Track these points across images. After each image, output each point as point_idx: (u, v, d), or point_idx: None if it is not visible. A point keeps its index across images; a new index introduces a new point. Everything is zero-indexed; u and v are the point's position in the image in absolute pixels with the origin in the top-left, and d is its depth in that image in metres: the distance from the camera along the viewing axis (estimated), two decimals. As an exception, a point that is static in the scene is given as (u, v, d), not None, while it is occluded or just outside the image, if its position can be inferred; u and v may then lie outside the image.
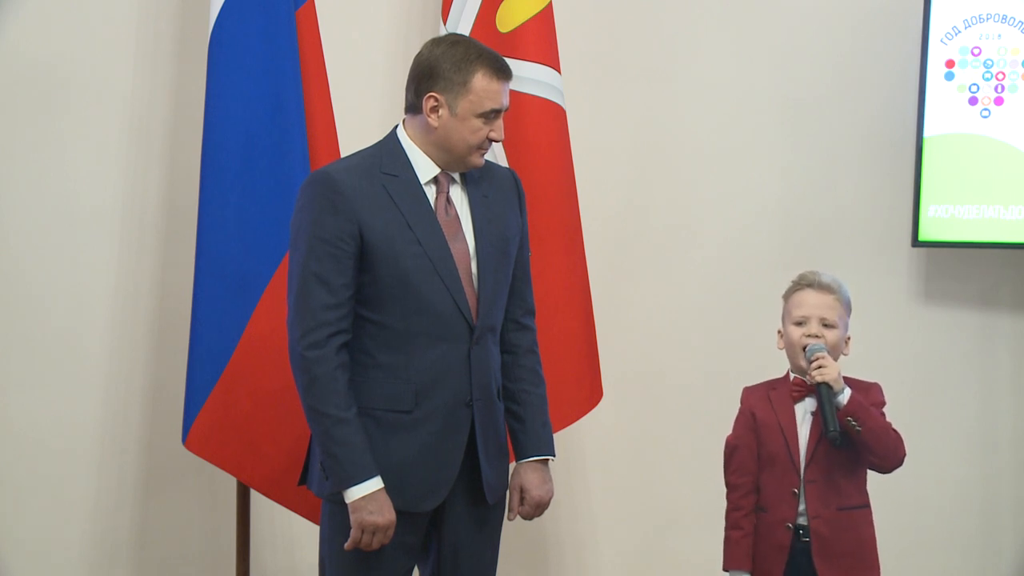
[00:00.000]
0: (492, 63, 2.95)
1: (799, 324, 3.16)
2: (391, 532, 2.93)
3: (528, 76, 3.85)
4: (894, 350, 4.15)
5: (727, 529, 3.22)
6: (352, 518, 2.91)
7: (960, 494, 4.19)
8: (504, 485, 3.14)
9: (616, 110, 4.36)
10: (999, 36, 3.95)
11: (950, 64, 3.99)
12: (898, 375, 4.10)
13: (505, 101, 3.00)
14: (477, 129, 2.95)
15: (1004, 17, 3.94)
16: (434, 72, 2.94)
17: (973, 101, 3.97)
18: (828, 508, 3.11)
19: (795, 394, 3.18)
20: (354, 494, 2.90)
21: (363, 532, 2.91)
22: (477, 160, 3.01)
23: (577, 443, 4.34)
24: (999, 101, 3.95)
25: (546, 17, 3.93)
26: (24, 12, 4.00)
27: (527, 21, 3.90)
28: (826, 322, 3.14)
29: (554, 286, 3.88)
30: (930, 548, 4.15)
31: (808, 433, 3.15)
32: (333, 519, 3.03)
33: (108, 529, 4.10)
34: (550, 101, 3.90)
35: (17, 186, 4.01)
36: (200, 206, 3.74)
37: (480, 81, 2.93)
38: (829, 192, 4.24)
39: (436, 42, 3.03)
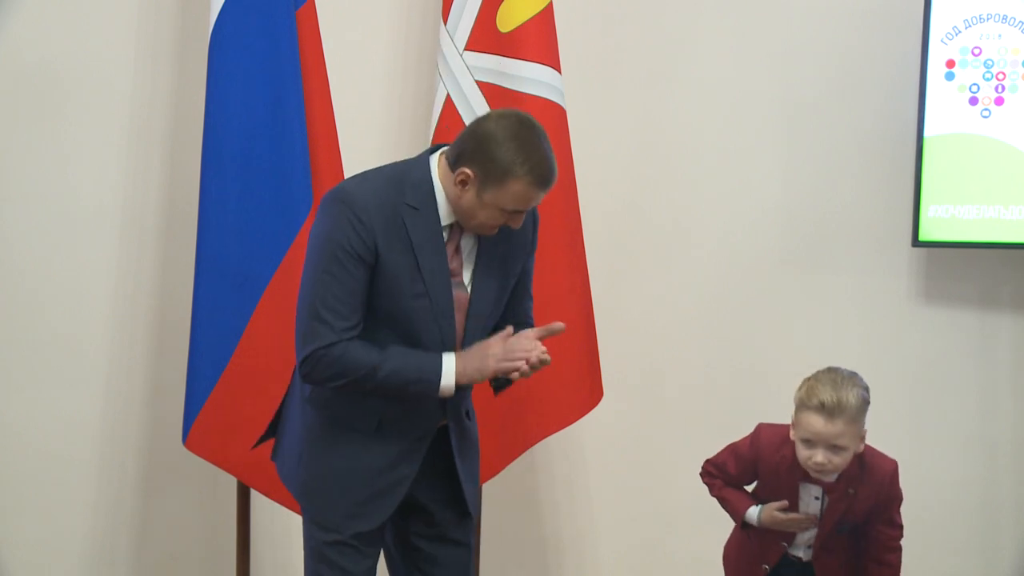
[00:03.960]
0: (540, 177, 2.86)
1: (806, 442, 3.08)
2: (519, 343, 2.91)
3: (528, 76, 3.85)
4: (894, 350, 4.14)
5: (717, 497, 3.26)
6: (483, 378, 2.93)
7: (960, 494, 4.19)
8: (476, 506, 3.18)
9: (616, 110, 4.36)
10: (999, 36, 3.95)
11: (950, 64, 3.99)
12: (898, 375, 4.11)
13: (536, 203, 2.94)
14: (495, 217, 2.90)
15: (1004, 17, 3.94)
16: (481, 151, 2.85)
17: (973, 101, 3.97)
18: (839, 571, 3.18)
19: (802, 475, 3.16)
20: (447, 377, 2.90)
21: (515, 372, 2.91)
22: (488, 232, 2.97)
23: (577, 443, 4.34)
24: (999, 101, 3.95)
25: (546, 17, 3.93)
26: (24, 12, 3.99)
27: (527, 21, 3.89)
28: (835, 446, 3.05)
29: (554, 286, 3.87)
30: (930, 548, 4.14)
31: (820, 515, 3.15)
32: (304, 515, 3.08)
33: (108, 528, 4.11)
34: (550, 101, 3.90)
35: (17, 186, 4.01)
36: (200, 206, 3.74)
37: (518, 187, 2.85)
38: (829, 192, 4.24)
39: (503, 119, 2.91)
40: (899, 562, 3.17)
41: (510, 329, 2.98)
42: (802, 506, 3.14)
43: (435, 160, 2.97)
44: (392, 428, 2.98)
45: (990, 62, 3.96)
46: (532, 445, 4.01)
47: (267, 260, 3.74)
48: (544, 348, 2.93)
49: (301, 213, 3.74)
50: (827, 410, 3.01)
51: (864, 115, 4.19)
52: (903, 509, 3.27)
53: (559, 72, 3.92)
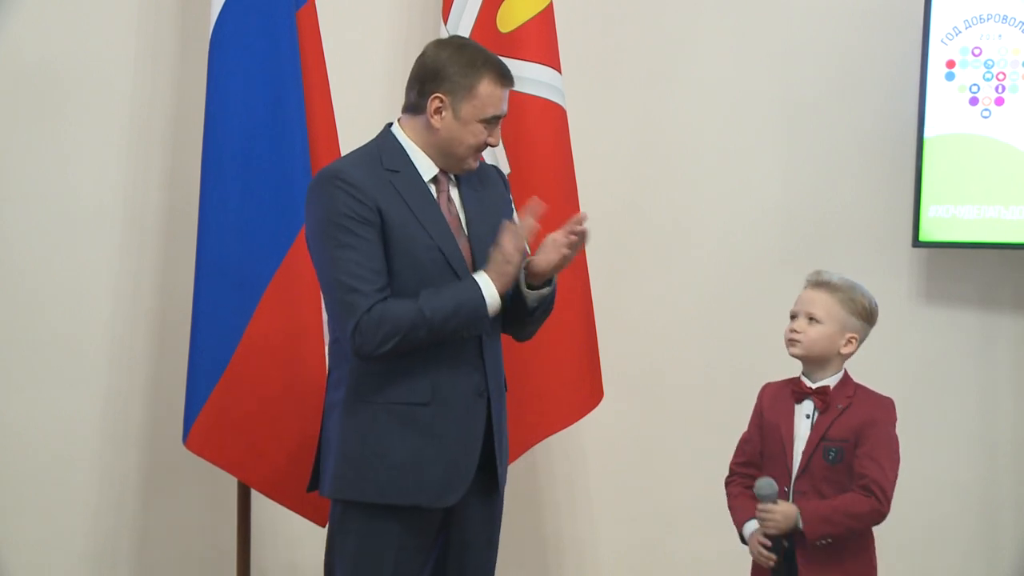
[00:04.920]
0: (498, 70, 2.99)
1: (792, 318, 3.18)
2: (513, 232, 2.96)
3: (529, 76, 3.84)
4: (895, 350, 4.14)
5: (729, 505, 3.24)
6: (516, 274, 2.97)
7: (960, 494, 4.19)
8: (504, 480, 3.15)
9: (617, 110, 4.36)
10: (1000, 36, 3.95)
11: (951, 64, 3.99)
12: (898, 375, 4.10)
13: (505, 108, 3.03)
14: (478, 133, 2.98)
15: (1005, 17, 3.94)
16: (440, 74, 2.96)
17: (974, 101, 3.97)
18: None
19: (795, 394, 3.18)
20: (488, 287, 2.94)
21: (547, 265, 3.00)
22: (472, 164, 3.05)
23: (577, 443, 4.34)
24: (1000, 101, 3.95)
25: (547, 17, 3.93)
26: (24, 12, 3.99)
27: (528, 21, 3.90)
28: (812, 316, 3.13)
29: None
30: (930, 548, 4.15)
31: (805, 441, 3.13)
32: (343, 525, 3.02)
33: (109, 529, 4.11)
34: (551, 101, 3.90)
35: (17, 186, 4.01)
36: (201, 206, 3.73)
37: (486, 87, 2.96)
38: (830, 192, 4.24)
39: (442, 44, 3.06)
40: (865, 514, 3.11)
41: (505, 224, 3.02)
42: (795, 426, 3.14)
43: (396, 126, 3.06)
44: (444, 395, 2.97)
45: (990, 62, 3.96)
46: (533, 445, 4.01)
47: (268, 260, 3.73)
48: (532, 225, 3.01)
49: (301, 213, 3.71)
50: (810, 281, 3.18)
51: (864, 115, 4.20)
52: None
53: (559, 72, 3.92)
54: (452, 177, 3.07)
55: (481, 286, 2.93)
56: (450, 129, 2.98)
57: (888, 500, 3.07)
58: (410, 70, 3.06)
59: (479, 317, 2.95)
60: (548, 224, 3.82)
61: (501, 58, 3.04)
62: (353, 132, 3.94)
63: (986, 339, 4.15)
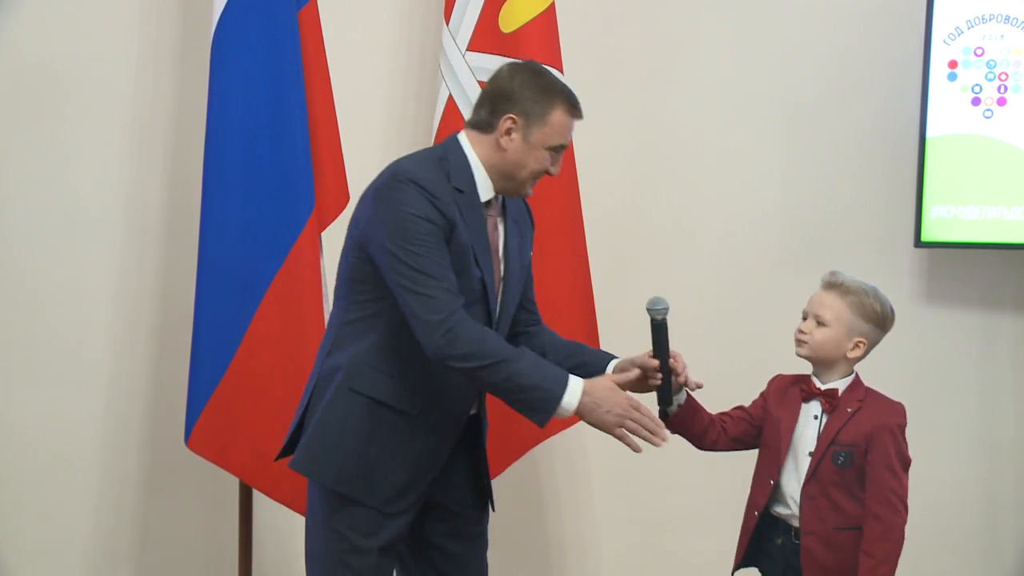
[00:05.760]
0: (571, 101, 3.01)
1: (803, 318, 3.16)
2: (638, 407, 2.94)
3: (530, 77, 3.85)
4: (896, 350, 4.11)
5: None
6: (598, 423, 2.93)
7: (962, 495, 4.19)
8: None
9: (618, 110, 4.36)
10: (1002, 36, 3.95)
11: (953, 64, 3.99)
12: (900, 375, 4.10)
13: (571, 138, 3.06)
14: (542, 160, 2.99)
15: (1007, 18, 3.94)
16: (514, 96, 2.97)
17: (976, 102, 3.97)
18: (824, 526, 3.07)
19: (803, 393, 3.17)
20: (570, 402, 2.89)
21: (622, 428, 2.93)
22: (529, 190, 3.06)
23: (578, 443, 4.34)
24: (1002, 102, 3.95)
25: (548, 18, 3.93)
26: (25, 12, 3.99)
27: (529, 22, 3.90)
28: (819, 319, 3.12)
29: (556, 287, 3.88)
30: (932, 549, 4.14)
31: (812, 443, 3.12)
32: (319, 500, 3.03)
33: (111, 529, 4.11)
34: (552, 101, 3.90)
35: (18, 187, 4.01)
36: (202, 207, 3.74)
37: (558, 116, 2.98)
38: (831, 193, 4.24)
39: (518, 68, 3.07)
40: (896, 538, 3.10)
41: (636, 373, 3.07)
42: (800, 425, 3.13)
43: (463, 138, 3.03)
44: (432, 412, 2.99)
45: (992, 62, 3.96)
46: (534, 446, 4.01)
47: (269, 261, 3.73)
48: (665, 436, 3.00)
49: (303, 214, 3.74)
50: (826, 282, 3.15)
51: (866, 115, 4.20)
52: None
53: (561, 72, 3.91)
54: (502, 203, 3.08)
55: (568, 388, 2.90)
56: (517, 151, 2.98)
57: (906, 508, 3.06)
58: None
59: (542, 410, 2.90)
60: (550, 224, 3.85)
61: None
62: (355, 133, 3.96)
63: (987, 339, 4.15)
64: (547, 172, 3.02)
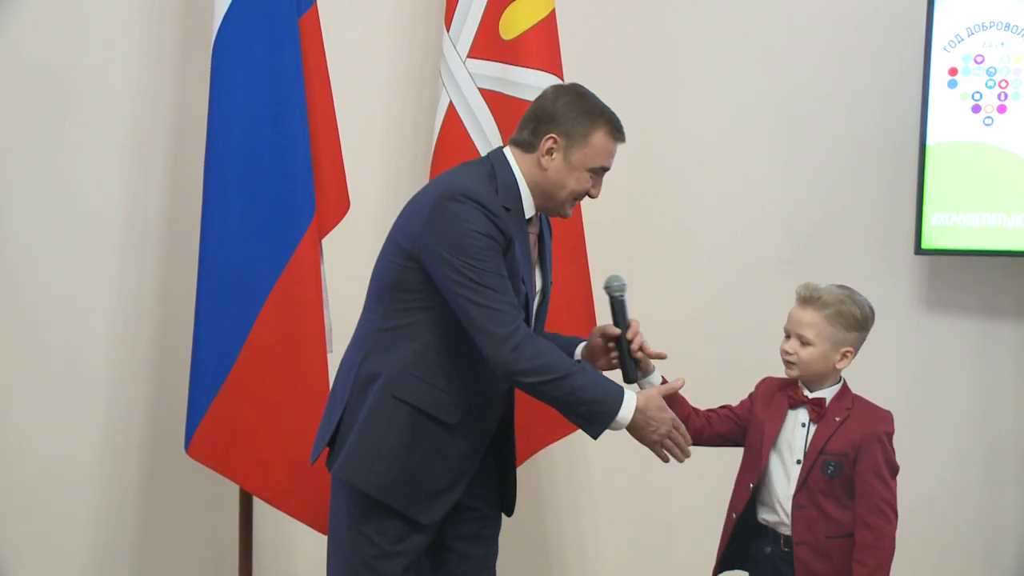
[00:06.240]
0: (614, 124, 3.06)
1: (786, 336, 3.15)
2: (678, 427, 3.06)
3: (531, 83, 3.85)
4: (897, 357, 4.15)
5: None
6: (641, 438, 3.06)
7: (963, 500, 4.20)
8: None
9: (618, 112, 4.27)
10: (1002, 44, 3.95)
11: (953, 72, 3.99)
12: (901, 382, 4.12)
13: (612, 161, 3.08)
14: (583, 181, 3.04)
15: (1007, 25, 3.93)
16: (557, 117, 3.02)
17: (976, 109, 3.97)
18: (815, 535, 3.08)
19: (790, 400, 3.18)
20: (624, 417, 2.97)
21: (660, 446, 3.06)
22: (568, 211, 3.10)
23: (579, 444, 4.34)
24: (1002, 109, 3.95)
25: (549, 24, 3.93)
26: (25, 13, 3.98)
27: (530, 28, 3.90)
28: (802, 339, 3.10)
29: (557, 290, 3.87)
30: (932, 554, 4.16)
31: (800, 453, 3.12)
32: (337, 498, 3.08)
33: (111, 536, 4.11)
34: (553, 108, 3.90)
35: (18, 190, 4.00)
36: (203, 212, 3.73)
37: (600, 138, 3.02)
38: (831, 200, 4.24)
39: (562, 89, 3.11)
40: (887, 547, 3.11)
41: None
42: (787, 431, 3.14)
43: (508, 154, 3.08)
44: (469, 422, 3.04)
45: (992, 70, 3.95)
46: (536, 452, 4.02)
47: (270, 266, 3.72)
48: (690, 453, 3.15)
49: (304, 219, 3.73)
50: (801, 297, 3.12)
51: (866, 122, 4.19)
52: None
53: (562, 79, 3.91)
54: (541, 221, 3.14)
55: (624, 402, 2.98)
56: (558, 171, 3.02)
57: (897, 515, 3.08)
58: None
59: (599, 423, 2.98)
60: (551, 225, 3.84)
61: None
62: (356, 139, 3.96)
63: (988, 346, 4.15)
64: (588, 194, 3.06)
